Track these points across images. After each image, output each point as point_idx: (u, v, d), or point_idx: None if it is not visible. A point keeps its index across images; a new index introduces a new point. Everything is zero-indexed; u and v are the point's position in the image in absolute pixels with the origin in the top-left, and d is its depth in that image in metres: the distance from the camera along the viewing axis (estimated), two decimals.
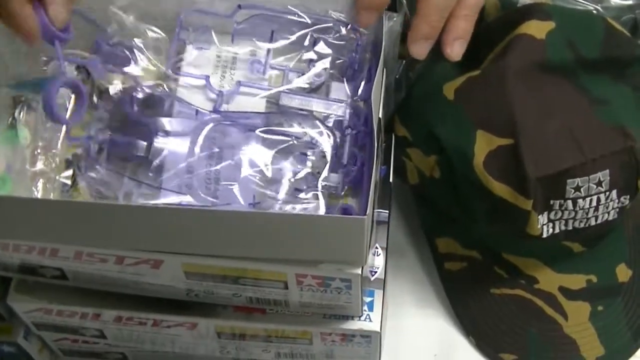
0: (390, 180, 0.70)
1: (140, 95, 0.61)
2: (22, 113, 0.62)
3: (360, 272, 0.58)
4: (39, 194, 0.61)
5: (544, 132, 0.64)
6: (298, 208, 0.58)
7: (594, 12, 0.74)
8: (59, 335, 0.70)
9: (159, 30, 0.64)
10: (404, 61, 0.72)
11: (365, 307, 0.65)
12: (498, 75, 0.66)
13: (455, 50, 0.65)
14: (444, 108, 0.67)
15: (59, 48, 0.58)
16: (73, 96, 0.61)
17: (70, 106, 0.61)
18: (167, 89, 0.62)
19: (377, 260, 0.67)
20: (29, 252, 0.61)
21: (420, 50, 0.64)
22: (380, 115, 0.60)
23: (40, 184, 0.61)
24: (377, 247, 0.67)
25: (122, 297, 0.65)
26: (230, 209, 0.58)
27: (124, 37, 0.63)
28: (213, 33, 0.64)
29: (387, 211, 0.69)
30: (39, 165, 0.61)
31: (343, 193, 0.59)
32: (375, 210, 0.65)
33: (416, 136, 0.70)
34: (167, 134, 0.60)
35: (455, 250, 0.74)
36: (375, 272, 0.66)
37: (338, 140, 0.60)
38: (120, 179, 0.60)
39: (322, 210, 0.58)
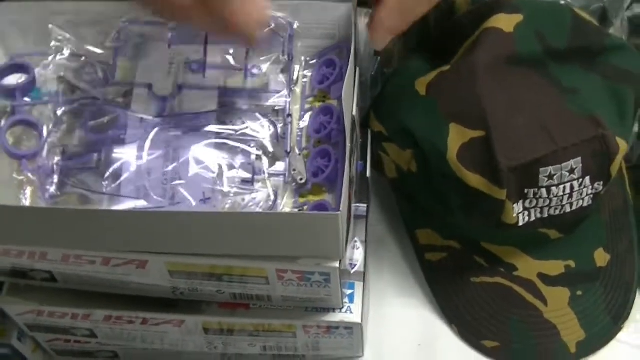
0: (368, 175, 0.71)
1: (90, 110, 0.64)
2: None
3: (338, 265, 0.60)
4: (27, 202, 0.63)
5: (515, 123, 0.66)
6: (247, 198, 0.60)
7: (562, 2, 0.75)
8: (51, 336, 0.71)
9: (96, 49, 0.66)
10: (379, 58, 0.73)
11: (346, 299, 0.66)
12: (468, 70, 0.67)
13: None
14: (417, 103, 0.69)
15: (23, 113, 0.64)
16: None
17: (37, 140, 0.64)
18: (116, 101, 0.65)
19: (357, 254, 0.68)
20: (19, 256, 0.63)
21: (380, 41, 0.61)
22: (354, 113, 0.62)
23: (28, 192, 0.63)
24: (356, 241, 0.69)
25: (111, 297, 0.66)
26: (205, 210, 0.60)
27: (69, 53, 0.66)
28: (153, 42, 0.66)
29: (366, 205, 0.70)
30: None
31: (303, 182, 0.62)
32: (354, 205, 0.66)
33: (391, 131, 0.71)
34: (120, 143, 0.63)
35: (435, 241, 0.75)
36: (355, 265, 0.68)
37: (279, 130, 0.62)
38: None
39: (272, 198, 0.60)
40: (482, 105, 0.66)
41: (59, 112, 0.64)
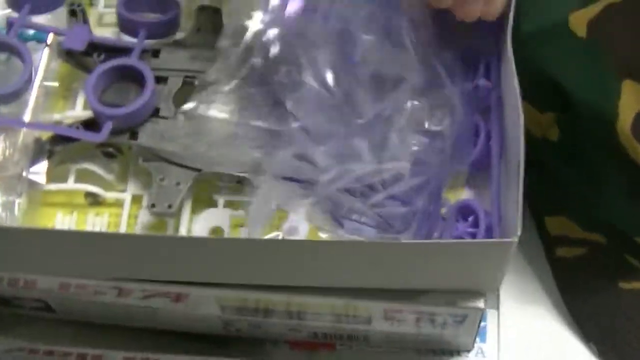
0: None
1: None
2: None
3: (482, 305, 0.47)
4: None
5: None
6: None
7: None
8: None
9: None
10: None
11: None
12: None
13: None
14: (573, 48, 0.56)
15: None
16: None
17: None
18: None
19: None
20: None
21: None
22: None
23: None
24: None
25: (133, 332, 0.57)
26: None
27: None
28: None
29: None
30: None
31: None
32: None
33: (527, 84, 0.57)
34: None
35: (572, 233, 0.62)
36: None
37: None
38: None
39: None
40: None
41: None
